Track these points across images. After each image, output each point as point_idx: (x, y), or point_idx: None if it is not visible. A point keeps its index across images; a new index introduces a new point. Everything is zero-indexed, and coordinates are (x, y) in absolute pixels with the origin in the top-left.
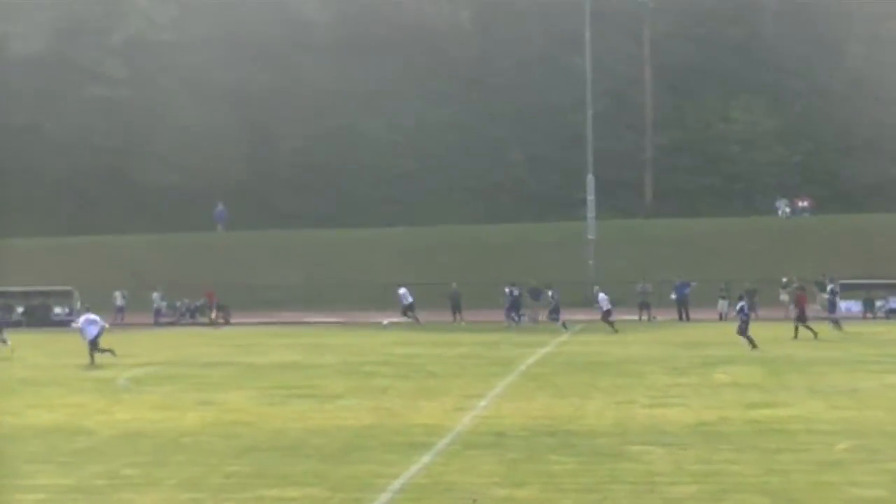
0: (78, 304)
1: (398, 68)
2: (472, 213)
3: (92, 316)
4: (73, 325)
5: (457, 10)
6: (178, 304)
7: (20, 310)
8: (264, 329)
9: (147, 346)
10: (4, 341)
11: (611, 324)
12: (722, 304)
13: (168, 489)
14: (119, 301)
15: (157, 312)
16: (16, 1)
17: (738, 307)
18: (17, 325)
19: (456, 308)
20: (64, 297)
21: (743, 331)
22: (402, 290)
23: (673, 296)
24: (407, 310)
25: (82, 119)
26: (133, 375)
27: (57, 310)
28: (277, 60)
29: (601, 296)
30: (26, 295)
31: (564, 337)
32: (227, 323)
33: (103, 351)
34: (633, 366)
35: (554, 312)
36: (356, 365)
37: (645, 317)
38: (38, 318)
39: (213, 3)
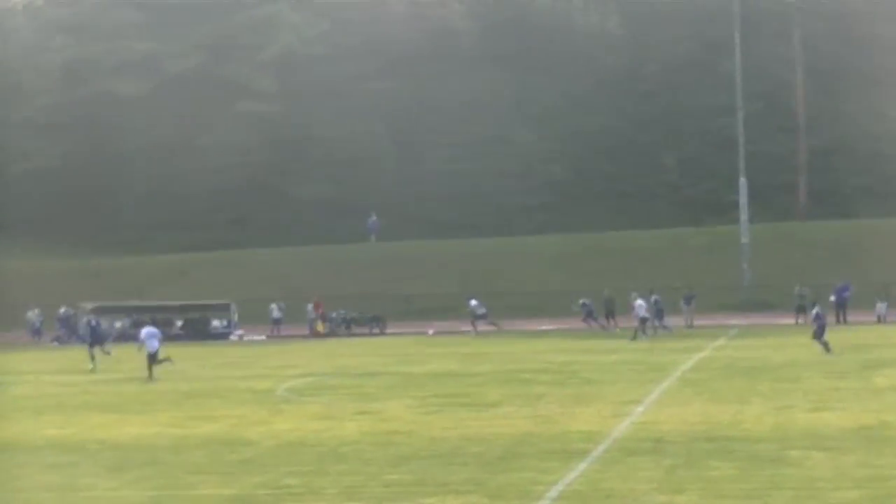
0: (236, 317)
1: (546, 76)
2: (623, 219)
3: (153, 329)
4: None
5: (606, 17)
6: (334, 315)
7: (179, 323)
8: (419, 338)
9: (304, 357)
10: (108, 353)
11: (636, 331)
12: (880, 307)
13: (329, 498)
14: (276, 313)
15: (313, 323)
16: (168, 20)
17: (813, 313)
18: (176, 338)
19: (610, 314)
20: (222, 310)
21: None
22: (474, 302)
23: (832, 298)
24: (478, 320)
25: (234, 134)
26: (292, 386)
27: (215, 323)
28: (425, 71)
29: (638, 302)
30: (185, 309)
31: (721, 341)
32: (381, 333)
33: (161, 361)
34: (791, 370)
35: (658, 318)
36: (512, 373)
37: (802, 320)
38: (197, 331)
39: (361, 16)
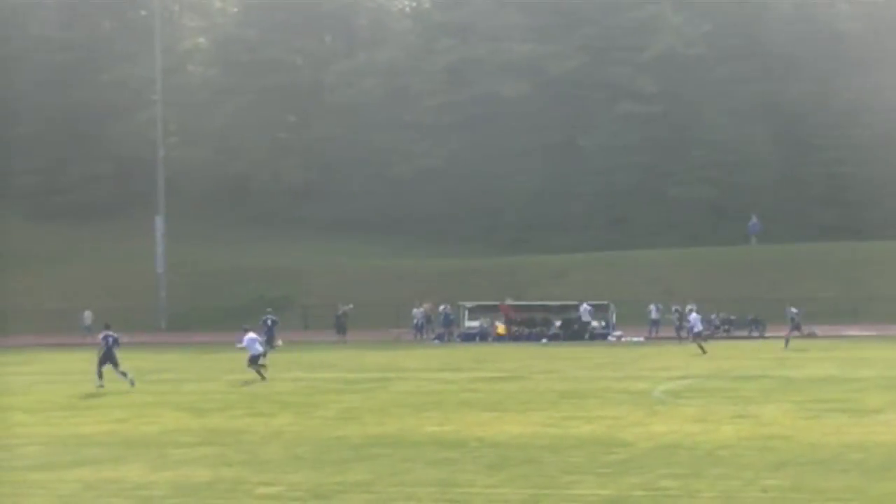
0: (614, 318)
1: None
2: None
3: (254, 335)
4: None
5: None
6: (713, 317)
7: (557, 323)
8: (795, 343)
9: (681, 359)
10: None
11: (700, 346)
12: None
13: (705, 502)
14: (654, 314)
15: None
16: (550, 21)
17: None
18: (553, 338)
19: None
20: (600, 310)
21: None
22: (586, 307)
23: None
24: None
25: (615, 136)
26: (668, 388)
27: (593, 323)
28: (808, 72)
29: (693, 315)
30: (563, 309)
31: None
32: (761, 336)
33: (260, 367)
34: None
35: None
36: (895, 379)
37: None
38: (575, 331)
39: (744, 16)
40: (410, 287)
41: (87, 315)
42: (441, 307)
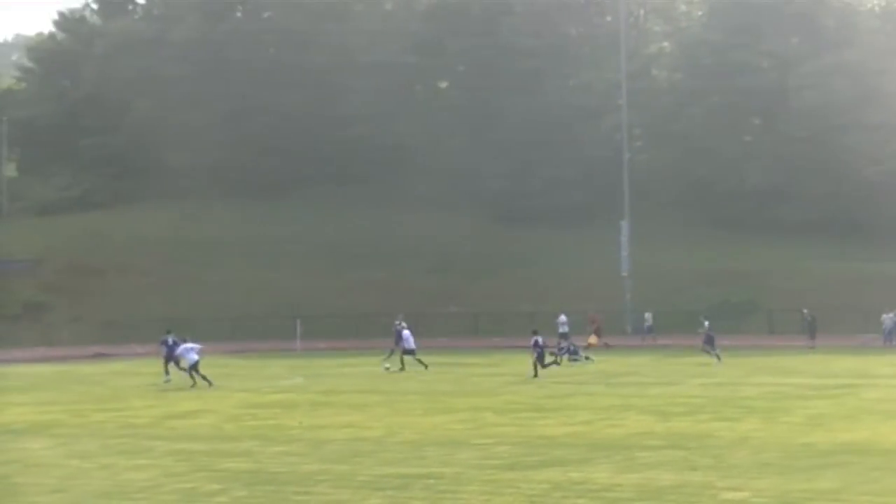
0: None
1: None
2: None
3: (190, 344)
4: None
5: None
6: None
7: None
8: None
9: None
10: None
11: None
12: None
13: None
14: None
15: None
16: None
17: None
18: None
19: None
20: None
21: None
22: (563, 318)
23: None
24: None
25: None
26: None
27: None
28: None
29: (561, 318)
30: None
31: None
32: None
33: (167, 376)
34: None
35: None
36: None
37: None
38: None
39: None
40: (879, 291)
41: (648, 316)
42: None
